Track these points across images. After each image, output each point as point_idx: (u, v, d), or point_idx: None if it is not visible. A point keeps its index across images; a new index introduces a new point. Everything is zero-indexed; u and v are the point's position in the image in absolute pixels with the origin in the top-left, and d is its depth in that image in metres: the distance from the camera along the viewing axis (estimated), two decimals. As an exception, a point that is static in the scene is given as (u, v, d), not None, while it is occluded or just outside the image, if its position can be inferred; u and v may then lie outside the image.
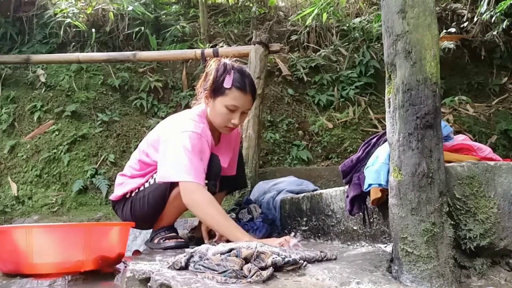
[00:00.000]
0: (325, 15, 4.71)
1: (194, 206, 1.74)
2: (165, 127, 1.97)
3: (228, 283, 1.07)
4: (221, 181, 2.26)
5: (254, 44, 3.32)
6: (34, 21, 4.76)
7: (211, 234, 2.04)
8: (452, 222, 1.15)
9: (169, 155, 1.80)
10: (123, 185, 2.04)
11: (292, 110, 4.29)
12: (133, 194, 1.99)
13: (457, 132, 2.50)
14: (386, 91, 1.22)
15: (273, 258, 1.16)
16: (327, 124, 4.11)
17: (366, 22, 4.89)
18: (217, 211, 1.71)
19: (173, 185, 1.82)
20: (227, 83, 1.86)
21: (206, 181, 1.83)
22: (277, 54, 4.28)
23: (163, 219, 1.97)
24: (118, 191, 2.04)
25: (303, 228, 2.10)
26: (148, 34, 4.60)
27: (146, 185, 1.95)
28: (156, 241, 1.96)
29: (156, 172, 1.90)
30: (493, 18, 3.77)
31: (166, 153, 1.81)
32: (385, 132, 1.32)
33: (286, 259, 1.18)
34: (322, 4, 4.52)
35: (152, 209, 1.91)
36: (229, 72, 1.88)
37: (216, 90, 1.89)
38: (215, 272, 1.13)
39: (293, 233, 1.86)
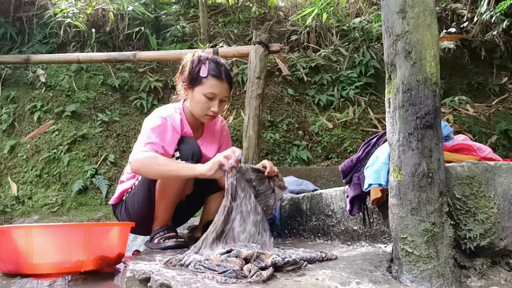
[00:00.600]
0: (325, 15, 4.71)
1: (140, 169, 1.81)
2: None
3: (228, 283, 1.07)
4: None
5: (254, 44, 3.32)
6: (34, 21, 4.76)
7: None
8: (452, 222, 1.15)
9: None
10: (120, 188, 2.08)
11: (292, 110, 4.29)
12: (127, 195, 2.03)
13: (457, 132, 2.50)
14: (386, 91, 1.22)
15: (273, 258, 1.16)
16: (327, 124, 4.11)
17: (366, 22, 4.89)
18: (162, 161, 1.77)
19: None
20: (203, 72, 1.93)
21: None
22: (277, 54, 4.28)
23: (158, 216, 1.98)
24: (115, 194, 2.11)
25: (303, 228, 2.10)
26: (148, 34, 4.60)
27: (136, 183, 2.00)
28: (155, 241, 1.96)
29: None
30: (493, 18, 3.77)
31: None
32: (385, 132, 1.32)
33: (286, 259, 1.18)
34: (322, 4, 4.52)
35: (143, 205, 1.93)
36: (204, 62, 1.95)
37: (193, 80, 1.96)
38: (215, 272, 1.13)
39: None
